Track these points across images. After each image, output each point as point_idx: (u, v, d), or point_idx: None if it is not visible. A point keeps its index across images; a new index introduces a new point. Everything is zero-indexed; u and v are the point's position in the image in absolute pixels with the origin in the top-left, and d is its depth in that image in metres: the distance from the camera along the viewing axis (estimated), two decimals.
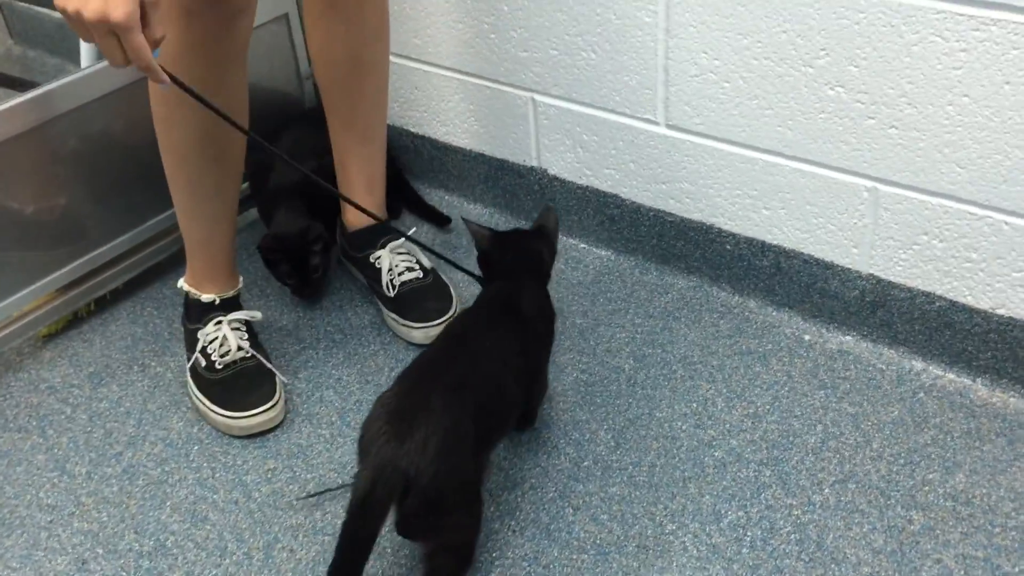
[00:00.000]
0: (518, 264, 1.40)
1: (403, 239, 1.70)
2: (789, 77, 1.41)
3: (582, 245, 1.81)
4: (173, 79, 1.12)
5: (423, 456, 1.07)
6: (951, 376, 1.46)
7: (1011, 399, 1.42)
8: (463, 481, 1.14)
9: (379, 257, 1.68)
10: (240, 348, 1.51)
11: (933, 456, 1.35)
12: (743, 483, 1.34)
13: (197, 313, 1.55)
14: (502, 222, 1.90)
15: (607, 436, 1.43)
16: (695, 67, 1.50)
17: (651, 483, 1.35)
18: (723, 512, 1.30)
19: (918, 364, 1.49)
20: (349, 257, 1.76)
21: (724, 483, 1.34)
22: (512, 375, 1.26)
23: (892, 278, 1.47)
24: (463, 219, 1.51)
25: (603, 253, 1.79)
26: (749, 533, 1.27)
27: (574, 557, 1.26)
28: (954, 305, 1.42)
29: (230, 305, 1.55)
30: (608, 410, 1.47)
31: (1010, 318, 1.38)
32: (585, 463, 1.39)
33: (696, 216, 1.64)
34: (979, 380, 1.45)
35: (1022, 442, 1.35)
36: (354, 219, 1.72)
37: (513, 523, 1.31)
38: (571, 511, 1.32)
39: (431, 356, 1.24)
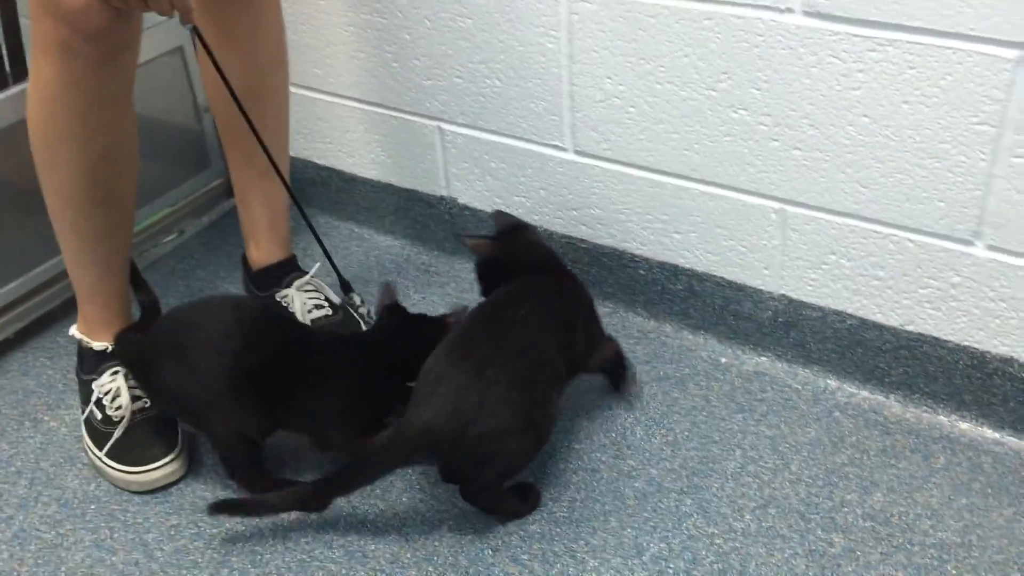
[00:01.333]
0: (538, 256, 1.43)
1: (309, 276, 1.65)
2: (693, 101, 1.41)
3: None
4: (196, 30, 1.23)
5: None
6: (865, 394, 1.47)
7: (924, 414, 1.42)
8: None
9: (287, 296, 1.62)
10: (137, 398, 1.43)
11: (851, 476, 1.35)
12: (664, 514, 1.32)
13: (91, 363, 1.47)
14: (413, 253, 1.86)
15: (524, 471, 1.39)
16: (600, 92, 1.49)
17: (571, 519, 1.32)
18: (645, 545, 1.28)
19: (832, 382, 1.49)
20: (255, 296, 1.69)
21: (645, 515, 1.32)
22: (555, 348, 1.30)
23: (803, 298, 1.47)
24: (461, 237, 1.59)
25: None
26: (672, 565, 1.25)
27: None
28: (864, 323, 1.42)
29: None
30: None
31: (919, 334, 1.39)
32: None
33: (608, 242, 1.62)
34: (892, 397, 1.45)
35: (936, 457, 1.36)
36: (258, 256, 1.66)
37: (431, 568, 1.27)
38: (490, 552, 1.28)
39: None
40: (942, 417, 1.42)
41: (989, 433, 1.38)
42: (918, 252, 1.33)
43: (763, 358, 1.55)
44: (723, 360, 1.56)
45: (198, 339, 1.27)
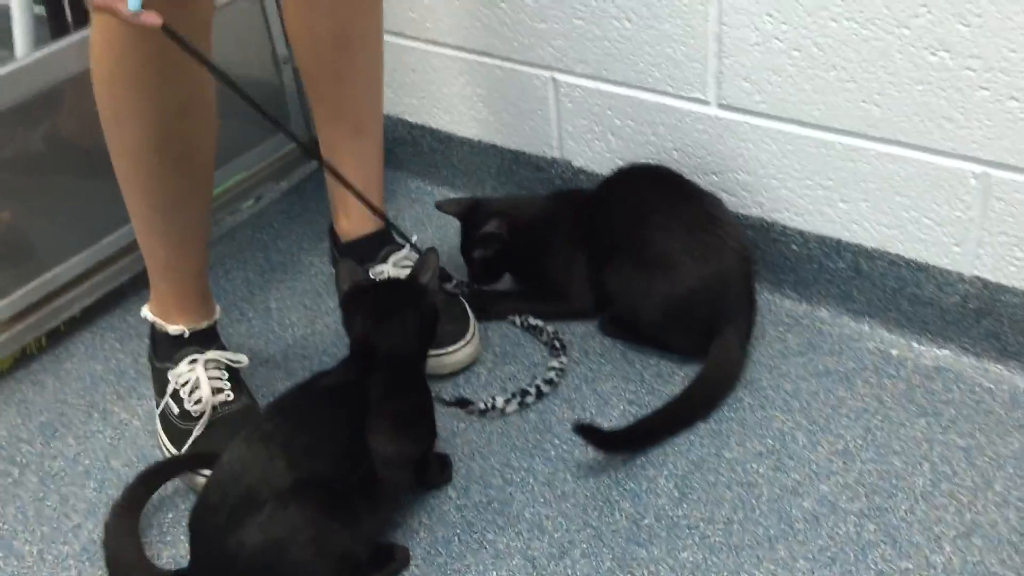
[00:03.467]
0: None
1: (407, 249, 1.45)
2: (878, 41, 1.16)
3: None
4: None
5: None
6: None
7: None
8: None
9: (382, 272, 1.42)
10: (219, 391, 1.25)
11: None
12: (843, 542, 1.09)
13: (166, 349, 1.29)
14: None
15: (669, 485, 1.18)
16: (756, 33, 1.25)
17: (729, 544, 1.11)
18: None
19: None
20: None
21: (820, 542, 1.10)
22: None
23: (1003, 281, 1.22)
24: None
25: None
26: None
27: None
28: None
29: (205, 339, 1.29)
30: (667, 451, 1.22)
31: None
32: (646, 520, 1.14)
33: (755, 212, 1.39)
34: None
35: None
36: (348, 227, 1.46)
37: None
38: None
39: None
40: None
41: None
42: None
43: (945, 351, 1.31)
44: (895, 352, 1.32)
45: None
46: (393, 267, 1.42)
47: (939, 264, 1.26)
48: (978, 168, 1.17)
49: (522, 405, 1.29)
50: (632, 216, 1.32)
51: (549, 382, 1.31)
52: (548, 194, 1.50)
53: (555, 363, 1.34)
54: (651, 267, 1.28)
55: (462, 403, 1.29)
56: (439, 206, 1.47)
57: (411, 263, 1.43)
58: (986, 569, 1.05)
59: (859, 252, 1.32)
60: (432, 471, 1.20)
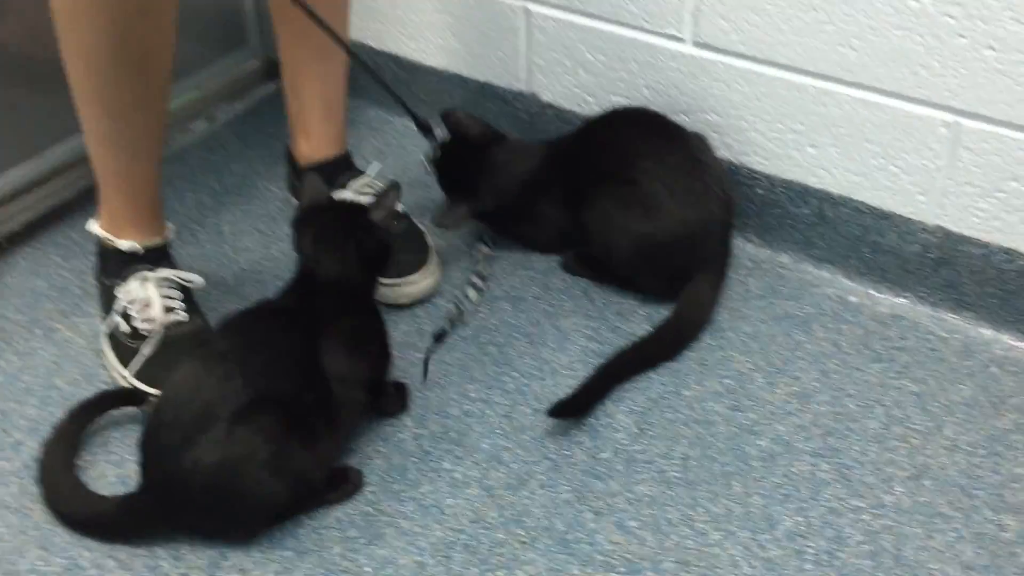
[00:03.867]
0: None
1: (369, 176, 1.41)
2: None
3: None
4: None
5: None
6: (1021, 345, 1.25)
7: None
8: None
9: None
10: (171, 311, 1.21)
11: (1018, 445, 1.13)
12: (797, 480, 1.11)
13: (116, 265, 1.24)
14: None
15: (627, 421, 1.18)
16: None
17: (686, 479, 1.11)
18: (777, 517, 1.07)
19: (987, 332, 1.27)
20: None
21: (774, 480, 1.11)
22: None
23: (965, 231, 1.23)
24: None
25: None
26: (812, 544, 1.04)
27: None
28: None
29: (157, 256, 1.24)
30: (625, 388, 1.22)
31: None
32: (604, 455, 1.14)
33: (723, 154, 1.38)
34: None
35: None
36: (308, 151, 1.42)
37: (521, 532, 1.06)
38: (592, 516, 1.08)
39: None
40: None
41: None
42: None
43: (902, 299, 1.32)
44: (853, 299, 1.33)
45: None
46: (354, 194, 1.39)
47: (903, 213, 1.27)
48: (950, 117, 1.18)
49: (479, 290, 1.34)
50: (619, 156, 1.30)
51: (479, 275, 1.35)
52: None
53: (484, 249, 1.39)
54: (634, 207, 1.26)
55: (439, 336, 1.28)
56: (446, 116, 1.39)
57: (372, 191, 1.40)
58: (934, 510, 1.07)
59: (824, 198, 1.32)
60: (389, 398, 1.18)
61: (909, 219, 1.27)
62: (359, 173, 1.42)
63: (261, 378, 1.00)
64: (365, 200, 1.37)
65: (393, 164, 1.59)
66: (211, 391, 0.98)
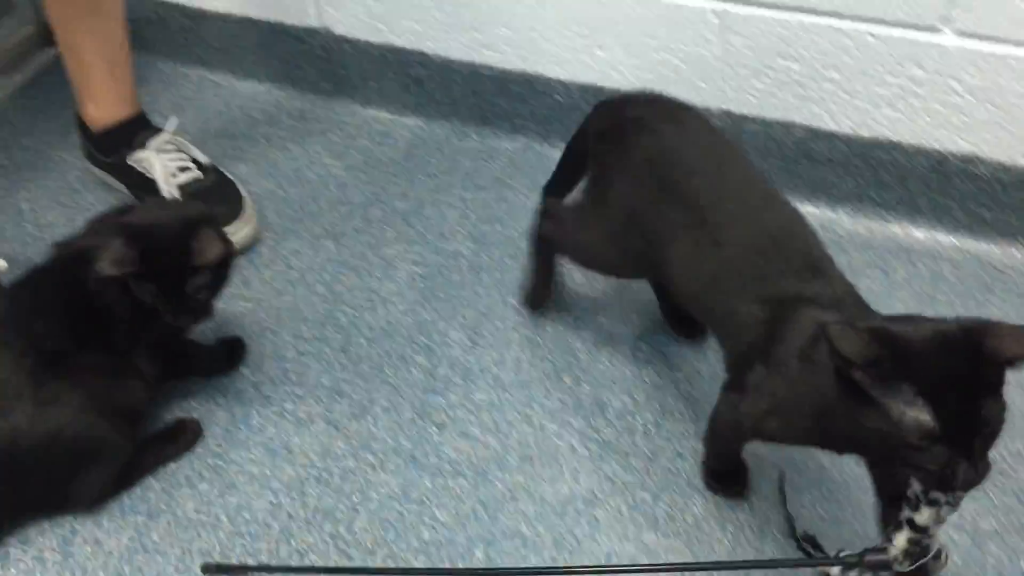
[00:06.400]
0: None
1: (168, 133, 1.38)
2: None
3: (386, 116, 1.55)
4: None
5: None
6: (812, 209, 1.35)
7: (876, 226, 1.33)
8: None
9: (143, 159, 1.35)
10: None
11: None
12: (622, 364, 1.18)
13: None
14: (284, 99, 1.60)
15: (460, 335, 1.22)
16: None
17: (520, 381, 1.17)
18: (607, 401, 1.14)
19: None
20: (99, 163, 1.41)
21: (601, 367, 1.18)
22: None
23: (746, 111, 1.32)
24: None
25: (412, 122, 1.54)
26: (640, 419, 1.12)
27: (450, 484, 1.07)
28: (814, 133, 1.30)
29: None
30: (455, 304, 1.26)
31: (873, 139, 1.27)
32: (440, 371, 1.18)
33: (518, 66, 1.42)
34: (842, 211, 1.35)
35: (896, 271, 1.27)
36: (98, 115, 1.37)
37: (370, 457, 1.10)
38: (436, 431, 1.12)
39: None
40: (895, 227, 1.32)
41: (945, 239, 1.31)
42: (878, 46, 1.19)
43: None
44: None
45: None
46: (156, 152, 1.35)
47: (691, 101, 1.34)
48: (718, 5, 1.24)
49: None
50: None
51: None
52: None
53: None
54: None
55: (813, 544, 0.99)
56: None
57: (173, 147, 1.37)
58: None
59: None
60: (218, 356, 1.18)
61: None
62: (157, 131, 1.38)
63: (47, 338, 0.99)
64: (171, 158, 1.35)
65: (193, 117, 1.55)
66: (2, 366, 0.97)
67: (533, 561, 1.00)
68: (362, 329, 1.23)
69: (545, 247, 1.19)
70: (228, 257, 1.05)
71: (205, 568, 0.98)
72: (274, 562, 1.00)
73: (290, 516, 1.04)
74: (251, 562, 1.00)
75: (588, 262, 1.17)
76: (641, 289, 1.25)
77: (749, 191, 0.99)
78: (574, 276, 1.28)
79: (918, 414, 0.73)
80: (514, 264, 1.31)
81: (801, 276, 0.92)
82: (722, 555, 1.00)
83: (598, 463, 1.08)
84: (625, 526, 1.03)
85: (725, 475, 1.06)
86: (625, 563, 1.00)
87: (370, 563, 1.00)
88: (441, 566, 1.00)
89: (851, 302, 0.90)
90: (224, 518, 1.04)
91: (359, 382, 1.17)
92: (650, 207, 1.01)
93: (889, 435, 0.75)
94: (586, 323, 1.23)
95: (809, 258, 0.93)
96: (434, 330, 1.23)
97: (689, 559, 1.00)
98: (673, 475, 1.07)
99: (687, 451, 1.09)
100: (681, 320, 1.20)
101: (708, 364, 1.18)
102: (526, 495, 1.06)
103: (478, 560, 1.00)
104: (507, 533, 1.03)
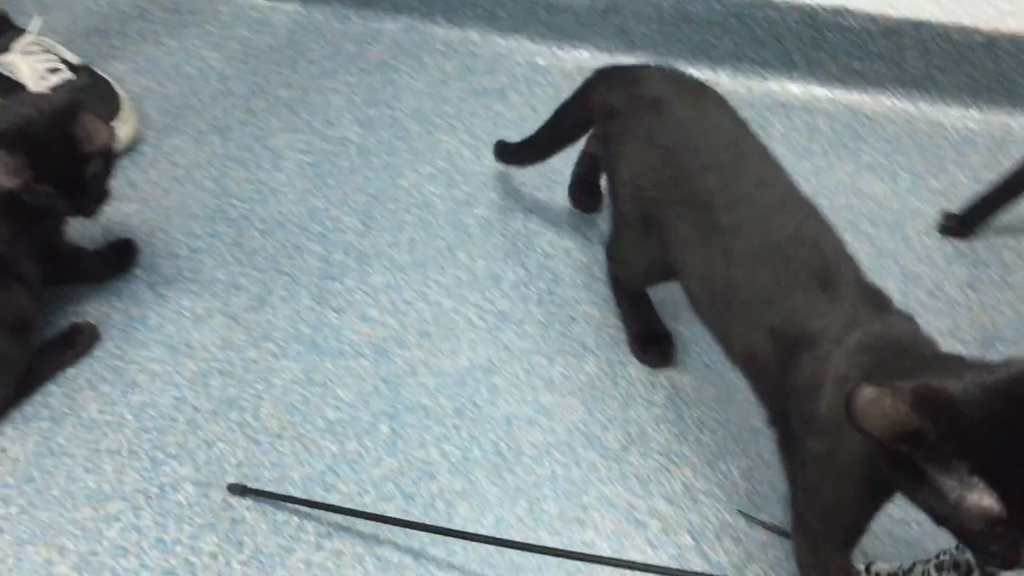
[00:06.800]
0: None
1: (33, 34, 1.32)
2: None
3: (263, 2, 1.51)
4: None
5: None
6: (694, 71, 1.37)
7: (755, 84, 1.36)
8: None
9: (9, 63, 1.30)
10: None
11: None
12: (513, 237, 1.21)
13: None
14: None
15: (353, 220, 1.23)
16: None
17: (415, 261, 1.19)
18: (501, 274, 1.17)
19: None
20: None
21: (494, 241, 1.21)
22: None
23: None
24: None
25: (290, 7, 1.50)
26: (533, 288, 1.16)
27: (352, 364, 1.10)
28: None
29: None
30: (346, 190, 1.26)
31: None
32: (335, 256, 1.20)
33: None
34: (721, 71, 1.37)
35: (773, 126, 1.31)
36: None
37: (271, 345, 1.12)
38: (335, 315, 1.14)
39: None
40: (773, 84, 1.36)
41: (820, 92, 1.35)
42: None
43: (584, 52, 1.41)
44: (541, 62, 1.41)
45: None
46: (21, 55, 1.30)
47: None
48: None
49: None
50: None
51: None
52: None
53: None
54: None
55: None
56: None
57: (40, 48, 1.32)
58: None
59: None
60: (109, 259, 1.17)
61: None
62: (21, 31, 1.32)
63: None
64: (38, 60, 1.30)
65: (60, 17, 1.48)
66: None
67: (435, 431, 1.04)
68: (254, 221, 1.23)
69: (617, 286, 1.09)
70: (111, 138, 1.04)
71: (231, 488, 0.99)
72: (196, 450, 1.03)
73: (195, 409, 1.06)
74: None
75: (635, 279, 1.04)
76: (533, 167, 1.27)
77: (765, 190, 0.86)
78: (462, 154, 1.29)
79: (979, 498, 0.59)
80: (402, 146, 1.31)
81: (808, 293, 0.77)
82: (615, 410, 1.06)
83: (495, 333, 1.12)
84: (522, 390, 1.08)
85: None
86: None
87: (278, 447, 1.03)
88: (348, 443, 1.03)
89: (865, 318, 0.75)
90: (129, 416, 1.06)
91: (255, 274, 1.18)
92: (663, 205, 0.90)
93: (948, 518, 0.62)
94: (478, 200, 1.25)
95: (819, 267, 0.79)
96: (326, 217, 1.24)
97: (584, 416, 1.05)
98: (567, 339, 1.12)
99: (579, 316, 1.13)
100: (585, 192, 1.19)
101: (598, 231, 1.21)
102: (426, 369, 1.09)
103: (382, 434, 1.04)
104: (409, 406, 1.06)
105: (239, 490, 0.99)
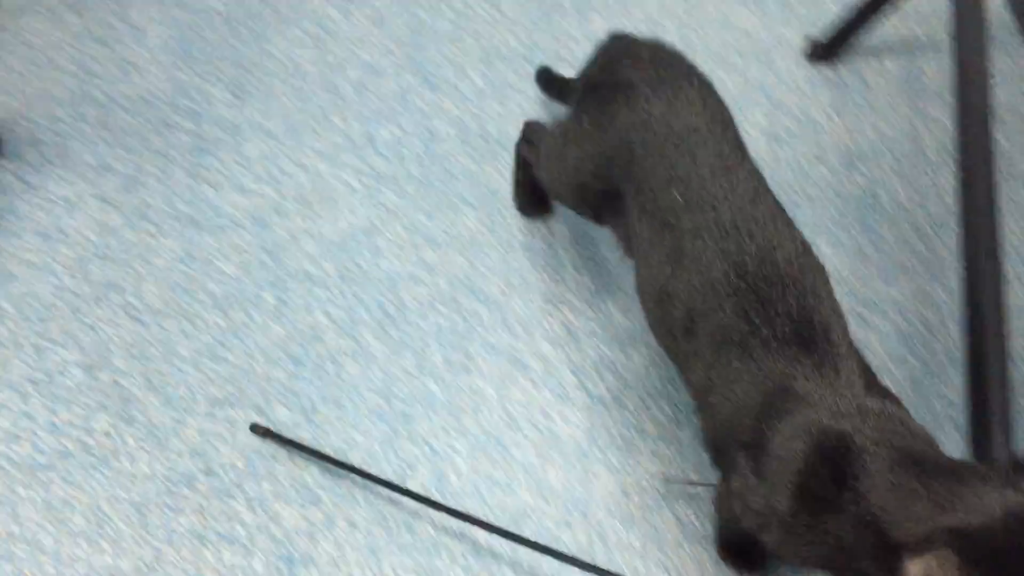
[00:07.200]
0: None
1: None
2: None
3: None
4: None
5: None
6: None
7: None
8: None
9: None
10: None
11: (566, 6, 1.27)
12: (388, 97, 1.20)
13: None
14: None
15: (224, 93, 1.20)
16: None
17: (290, 129, 1.18)
18: (375, 134, 1.17)
19: None
20: None
21: (369, 104, 1.19)
22: None
23: None
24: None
25: None
26: (408, 146, 1.16)
27: (232, 238, 1.10)
28: None
29: None
30: (215, 63, 1.23)
31: None
32: (208, 130, 1.18)
33: None
34: None
35: None
36: None
37: (149, 225, 1.11)
38: (211, 190, 1.13)
39: None
40: None
41: None
42: None
43: None
44: None
45: None
46: None
47: None
48: None
49: None
50: None
51: None
52: None
53: None
54: None
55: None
56: None
57: None
58: (506, 82, 1.20)
59: None
60: None
61: None
62: None
63: None
64: None
65: None
66: None
67: (320, 296, 1.06)
68: (120, 101, 1.20)
69: (524, 164, 1.06)
70: None
71: (254, 428, 0.98)
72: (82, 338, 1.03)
73: (76, 295, 1.06)
74: None
75: (555, 196, 1.01)
76: (402, 22, 1.24)
77: (739, 215, 0.78)
78: (330, 14, 1.26)
79: None
80: (271, 13, 1.27)
81: (788, 348, 0.72)
82: (496, 260, 1.08)
83: (374, 195, 1.12)
84: (404, 248, 1.09)
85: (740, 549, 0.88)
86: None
87: (164, 325, 1.04)
88: (234, 315, 1.04)
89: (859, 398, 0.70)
90: (9, 307, 1.05)
91: (125, 154, 1.16)
92: (622, 190, 0.86)
93: None
94: (350, 62, 1.22)
95: (801, 320, 0.73)
96: (195, 91, 1.21)
97: (466, 268, 1.07)
98: (445, 195, 1.12)
99: (457, 171, 1.14)
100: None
101: (471, 82, 1.20)
102: (307, 236, 1.10)
103: (268, 303, 1.05)
104: (293, 274, 1.07)
105: (261, 431, 0.97)
